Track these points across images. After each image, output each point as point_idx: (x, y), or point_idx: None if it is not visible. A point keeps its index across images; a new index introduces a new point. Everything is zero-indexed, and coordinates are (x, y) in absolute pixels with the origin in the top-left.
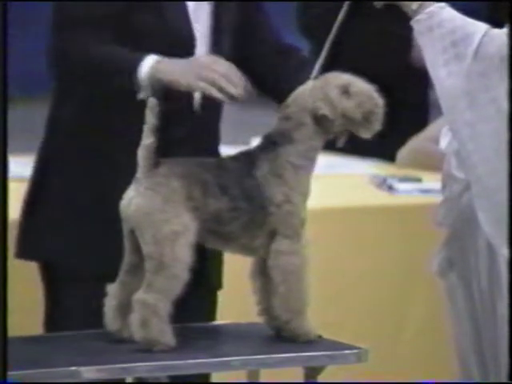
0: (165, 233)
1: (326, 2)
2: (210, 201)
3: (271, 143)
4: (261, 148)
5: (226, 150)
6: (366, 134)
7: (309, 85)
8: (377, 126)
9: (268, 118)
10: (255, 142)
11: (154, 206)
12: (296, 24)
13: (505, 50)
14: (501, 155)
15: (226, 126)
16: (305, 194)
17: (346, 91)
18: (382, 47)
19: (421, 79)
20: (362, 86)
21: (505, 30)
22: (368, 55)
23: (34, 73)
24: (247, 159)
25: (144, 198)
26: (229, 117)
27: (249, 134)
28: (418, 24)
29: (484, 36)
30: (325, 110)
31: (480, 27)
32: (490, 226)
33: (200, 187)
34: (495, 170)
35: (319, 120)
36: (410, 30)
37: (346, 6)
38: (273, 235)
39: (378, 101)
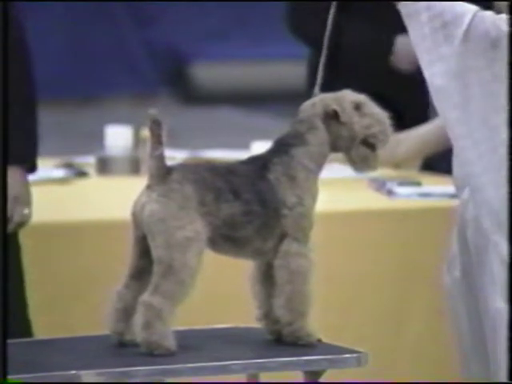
0: (177, 239)
1: (314, 2)
2: (223, 206)
3: (284, 145)
4: (273, 151)
5: (227, 154)
6: (360, 168)
7: (321, 95)
8: (374, 161)
9: (268, 123)
10: (255, 146)
11: (169, 213)
12: (286, 25)
13: (495, 32)
14: (491, 145)
15: (226, 131)
16: (314, 198)
17: (358, 109)
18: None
19: (418, 80)
20: (374, 108)
21: (495, 14)
22: (362, 57)
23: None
24: (259, 163)
25: (158, 205)
26: (229, 121)
27: (249, 138)
28: (405, 7)
29: (474, 17)
30: (335, 107)
31: (469, 8)
32: (488, 222)
33: (213, 193)
34: (484, 154)
35: (329, 122)
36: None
37: (332, 7)
38: (282, 238)
39: (387, 127)
